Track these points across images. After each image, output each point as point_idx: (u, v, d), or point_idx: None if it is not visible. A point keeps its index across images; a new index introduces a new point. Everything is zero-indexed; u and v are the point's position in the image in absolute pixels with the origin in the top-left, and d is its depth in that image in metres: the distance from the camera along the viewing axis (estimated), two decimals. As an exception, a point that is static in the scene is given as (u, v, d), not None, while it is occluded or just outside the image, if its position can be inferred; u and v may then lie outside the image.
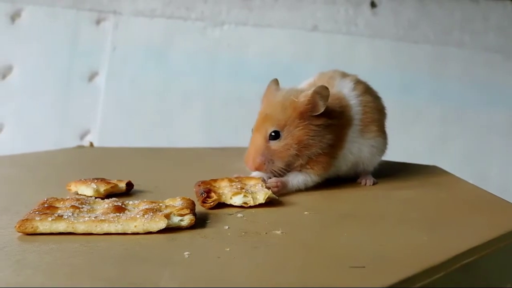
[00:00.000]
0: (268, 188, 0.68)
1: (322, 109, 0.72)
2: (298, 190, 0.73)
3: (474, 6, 1.54)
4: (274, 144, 0.72)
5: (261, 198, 0.64)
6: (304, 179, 0.74)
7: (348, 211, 0.64)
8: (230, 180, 0.69)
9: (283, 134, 0.72)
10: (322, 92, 0.72)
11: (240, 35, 1.56)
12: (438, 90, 1.54)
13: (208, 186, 0.67)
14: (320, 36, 1.56)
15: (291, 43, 1.56)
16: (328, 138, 0.73)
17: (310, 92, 0.72)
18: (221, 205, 0.64)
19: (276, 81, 0.78)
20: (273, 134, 0.72)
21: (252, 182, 0.70)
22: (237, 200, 0.64)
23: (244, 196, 0.64)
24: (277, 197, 0.66)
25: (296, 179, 0.73)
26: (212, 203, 0.63)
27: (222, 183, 0.69)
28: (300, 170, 0.74)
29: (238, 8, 1.55)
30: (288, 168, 0.73)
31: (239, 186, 0.66)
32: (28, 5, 1.52)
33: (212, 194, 0.63)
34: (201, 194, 0.63)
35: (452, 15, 1.55)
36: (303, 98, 0.72)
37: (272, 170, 0.72)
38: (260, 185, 0.68)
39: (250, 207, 0.64)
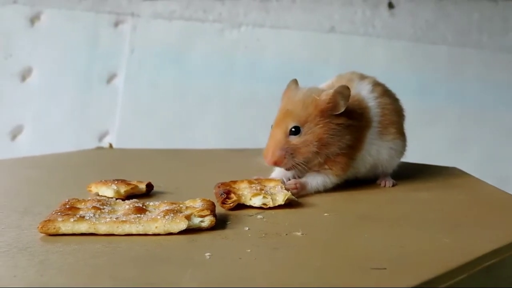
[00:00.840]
0: (287, 189, 0.68)
1: (342, 109, 0.72)
2: (317, 192, 0.73)
3: (493, 7, 1.53)
4: (294, 139, 0.72)
5: (280, 199, 0.64)
6: (323, 181, 0.74)
7: (367, 213, 0.64)
8: (250, 182, 0.70)
9: (303, 130, 0.72)
10: (343, 92, 0.72)
11: (257, 36, 1.56)
12: (456, 91, 1.53)
13: (228, 187, 0.67)
14: (337, 38, 1.56)
15: (308, 44, 1.56)
16: (347, 138, 0.73)
17: (331, 91, 0.72)
18: (241, 206, 0.64)
19: (295, 81, 0.78)
20: (293, 129, 0.72)
21: (271, 184, 0.70)
22: (256, 201, 0.64)
23: (264, 197, 0.64)
24: (296, 199, 0.67)
25: (315, 180, 0.73)
26: (231, 204, 0.63)
27: (242, 185, 0.69)
28: (318, 171, 0.74)
29: (255, 10, 1.56)
30: (307, 166, 0.73)
31: (258, 188, 0.66)
32: (47, 8, 1.54)
33: (232, 195, 0.64)
34: (221, 195, 0.64)
35: (470, 15, 1.54)
36: (324, 97, 0.72)
37: (293, 164, 0.72)
38: (279, 186, 0.68)
39: (270, 208, 0.64)
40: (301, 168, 0.72)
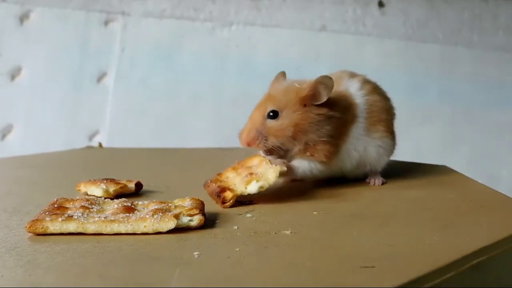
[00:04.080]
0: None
1: (324, 99, 0.72)
2: (308, 190, 0.74)
3: (483, 6, 1.54)
4: (270, 122, 0.72)
5: (272, 177, 0.64)
6: (308, 165, 0.73)
7: (357, 211, 0.64)
8: (235, 169, 0.69)
9: (281, 115, 0.72)
10: (325, 82, 0.72)
11: (249, 35, 1.56)
12: (447, 89, 1.54)
13: (219, 183, 0.67)
14: (328, 36, 1.56)
15: (299, 43, 1.56)
16: (327, 128, 0.73)
17: (313, 80, 0.73)
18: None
19: (283, 73, 0.79)
20: (271, 113, 0.72)
21: (255, 162, 0.70)
22: (252, 189, 0.64)
23: (257, 181, 0.64)
24: (285, 169, 0.67)
25: (301, 165, 0.73)
26: (231, 201, 0.63)
27: (229, 175, 0.69)
28: (302, 157, 0.74)
29: (246, 8, 1.56)
30: (283, 150, 0.73)
31: (246, 173, 0.66)
32: (37, 6, 1.53)
33: (228, 193, 0.63)
34: (217, 196, 0.64)
35: (461, 14, 1.54)
36: (306, 85, 0.73)
37: (265, 146, 0.72)
38: (265, 162, 0.68)
39: (261, 204, 0.64)
40: (276, 152, 0.72)
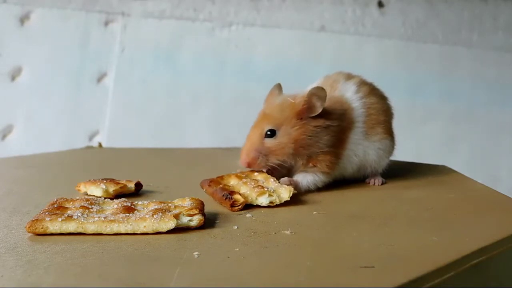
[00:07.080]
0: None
1: (319, 110, 0.72)
2: (309, 191, 0.74)
3: (483, 6, 1.54)
4: (269, 141, 0.73)
5: (286, 195, 0.65)
6: (312, 179, 0.74)
7: (357, 211, 0.64)
8: (238, 177, 0.70)
9: (279, 133, 0.72)
10: (318, 93, 0.72)
11: (248, 35, 1.56)
12: (447, 89, 1.54)
13: (221, 186, 0.67)
14: (327, 37, 1.56)
15: (299, 43, 1.56)
16: (326, 139, 0.73)
17: (306, 93, 0.73)
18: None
19: (279, 86, 0.79)
20: (268, 132, 0.73)
21: (259, 177, 0.70)
22: (263, 201, 0.64)
23: (269, 195, 0.64)
24: (295, 191, 0.67)
25: (305, 179, 0.74)
26: (240, 206, 0.63)
27: (231, 180, 0.69)
28: (306, 171, 0.74)
29: (246, 9, 1.55)
30: (285, 168, 0.73)
31: (254, 184, 0.66)
32: (37, 7, 1.53)
33: (238, 196, 0.63)
34: (226, 198, 0.63)
35: (461, 14, 1.54)
36: (300, 99, 0.73)
37: (266, 165, 0.72)
38: (272, 180, 0.69)
39: (269, 207, 0.64)
40: (278, 170, 0.73)
